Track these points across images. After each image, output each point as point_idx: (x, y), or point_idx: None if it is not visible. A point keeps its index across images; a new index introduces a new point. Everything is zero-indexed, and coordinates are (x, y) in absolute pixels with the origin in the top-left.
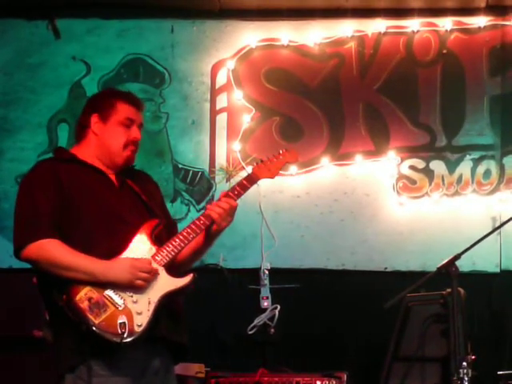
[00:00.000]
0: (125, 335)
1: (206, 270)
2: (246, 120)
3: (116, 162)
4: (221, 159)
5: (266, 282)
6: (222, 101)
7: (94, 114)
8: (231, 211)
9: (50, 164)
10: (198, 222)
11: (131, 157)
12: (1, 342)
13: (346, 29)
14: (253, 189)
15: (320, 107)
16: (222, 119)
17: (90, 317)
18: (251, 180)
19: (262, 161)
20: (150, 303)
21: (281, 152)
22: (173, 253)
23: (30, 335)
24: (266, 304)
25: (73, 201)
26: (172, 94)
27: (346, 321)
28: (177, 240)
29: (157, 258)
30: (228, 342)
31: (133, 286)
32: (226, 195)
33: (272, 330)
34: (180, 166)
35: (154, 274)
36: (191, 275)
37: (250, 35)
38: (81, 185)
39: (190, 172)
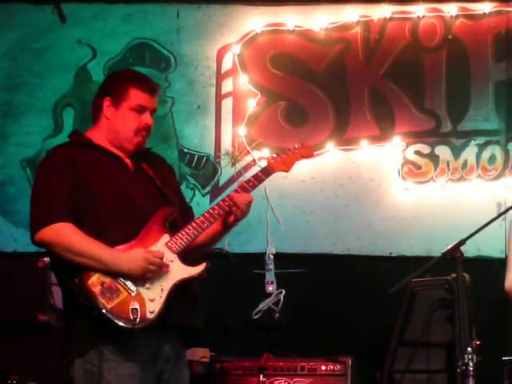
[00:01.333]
0: (137, 321)
1: (211, 255)
2: (252, 105)
3: (126, 147)
4: (226, 144)
5: (271, 266)
6: (227, 85)
7: (107, 98)
8: (248, 205)
9: (67, 149)
10: (212, 212)
11: (142, 142)
12: (5, 326)
13: (351, 14)
14: None
15: (325, 92)
16: (227, 104)
17: (102, 301)
18: (267, 172)
19: (277, 154)
20: (162, 290)
21: (296, 146)
22: (186, 241)
23: (34, 319)
24: (271, 289)
25: (88, 186)
26: (177, 78)
27: (351, 306)
28: (190, 228)
29: (170, 245)
30: (233, 326)
31: (144, 278)
32: (242, 187)
33: (277, 315)
34: (185, 150)
35: (165, 267)
36: (204, 264)
37: (255, 20)
38: (96, 170)
39: (196, 156)
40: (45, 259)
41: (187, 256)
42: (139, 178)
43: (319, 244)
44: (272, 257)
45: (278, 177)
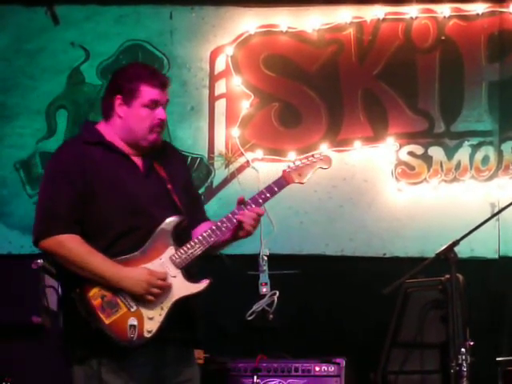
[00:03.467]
0: (134, 339)
1: (204, 256)
2: (245, 106)
3: (142, 144)
4: (220, 145)
5: (265, 268)
6: (220, 87)
7: (118, 96)
8: (259, 219)
9: (77, 148)
10: (220, 225)
11: (157, 139)
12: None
13: (344, 15)
14: (251, 175)
15: (319, 93)
16: (220, 105)
17: (102, 316)
18: (281, 185)
19: (294, 163)
20: (162, 309)
21: (315, 155)
22: (191, 255)
23: (28, 321)
24: (264, 290)
25: (97, 193)
26: (171, 80)
27: (345, 307)
28: (197, 241)
29: (175, 259)
30: (227, 327)
31: (143, 300)
32: (254, 201)
33: (271, 316)
34: None
35: (168, 288)
36: (207, 281)
37: (248, 21)
38: (105, 173)
39: (189, 158)
40: (39, 261)
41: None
42: (149, 180)
43: (313, 245)
44: (266, 258)
45: (271, 178)
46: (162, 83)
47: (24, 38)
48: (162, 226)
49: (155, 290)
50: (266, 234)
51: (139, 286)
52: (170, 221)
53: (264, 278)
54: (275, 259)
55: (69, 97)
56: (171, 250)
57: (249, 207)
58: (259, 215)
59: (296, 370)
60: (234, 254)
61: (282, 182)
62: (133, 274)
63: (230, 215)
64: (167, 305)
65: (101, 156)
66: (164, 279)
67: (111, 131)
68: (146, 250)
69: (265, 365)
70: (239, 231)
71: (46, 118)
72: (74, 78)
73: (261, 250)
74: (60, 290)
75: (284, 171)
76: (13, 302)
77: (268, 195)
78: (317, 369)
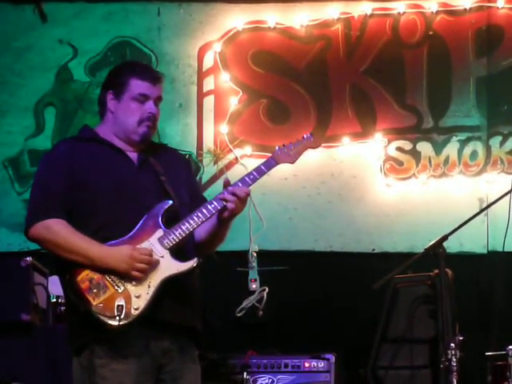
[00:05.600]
0: (121, 317)
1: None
2: (234, 102)
3: (132, 138)
4: (208, 142)
5: (254, 264)
6: (209, 83)
7: (109, 91)
8: (245, 199)
9: (68, 144)
10: (209, 206)
11: (147, 133)
12: None
13: (332, 11)
14: (240, 172)
15: (307, 89)
16: (209, 102)
17: (89, 298)
18: (269, 165)
19: (283, 145)
20: (149, 287)
21: (305, 136)
22: (179, 235)
23: (17, 319)
24: (254, 286)
25: (87, 182)
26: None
27: (334, 302)
28: (185, 223)
29: (163, 240)
30: (217, 324)
31: (130, 276)
32: (242, 181)
33: (260, 312)
34: None
35: (153, 264)
36: (195, 259)
37: (236, 18)
38: (97, 165)
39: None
40: (27, 259)
41: (191, 255)
42: (142, 173)
43: (302, 241)
44: (255, 254)
45: None
46: (152, 77)
47: (12, 35)
48: (152, 211)
49: (139, 265)
50: (256, 230)
51: (123, 261)
52: (160, 205)
53: (253, 274)
54: (264, 255)
55: (57, 94)
56: (160, 233)
57: (224, 194)
58: (246, 194)
59: (286, 365)
60: (223, 250)
61: (271, 162)
62: (116, 252)
63: (217, 196)
64: (154, 283)
65: (94, 150)
66: (148, 254)
67: (105, 129)
68: (135, 235)
69: (255, 361)
70: (223, 211)
71: (34, 116)
72: (62, 76)
73: (250, 246)
74: (60, 282)
75: (273, 152)
76: (1, 300)
77: (257, 176)
78: (306, 365)
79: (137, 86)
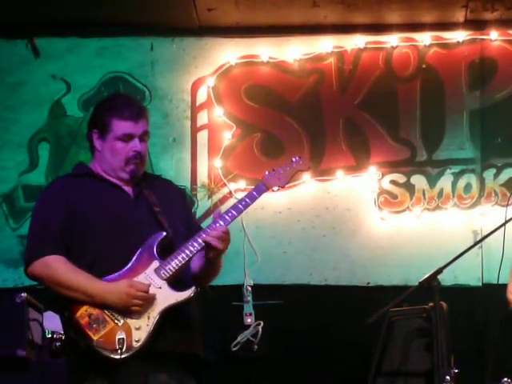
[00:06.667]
0: (123, 350)
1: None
2: (227, 137)
3: (121, 176)
4: (202, 176)
5: (249, 298)
6: (202, 118)
7: (94, 130)
8: (224, 237)
9: (63, 181)
10: (204, 235)
11: (135, 170)
12: None
13: (325, 45)
14: None
15: (300, 123)
16: (202, 136)
17: (89, 333)
18: (260, 190)
19: (273, 169)
20: (149, 318)
21: (293, 160)
22: (175, 266)
23: (13, 355)
24: (249, 320)
25: (83, 217)
26: (152, 111)
27: (330, 336)
28: (181, 253)
29: (159, 271)
30: (212, 358)
31: (128, 311)
32: (235, 207)
33: (255, 347)
34: None
35: (151, 296)
36: (192, 288)
37: (229, 52)
38: (93, 200)
39: None
40: (22, 295)
41: (188, 284)
42: (138, 206)
43: (297, 275)
44: (250, 288)
45: (254, 208)
46: (134, 114)
47: (5, 70)
48: (147, 243)
49: (136, 301)
50: (250, 264)
51: (120, 298)
52: (155, 237)
53: (248, 308)
54: (259, 289)
55: (50, 129)
56: (155, 264)
57: (212, 226)
58: (225, 232)
59: None
60: (217, 284)
61: (261, 187)
62: (113, 288)
63: (210, 225)
64: (154, 314)
65: (89, 185)
66: (145, 290)
67: (97, 166)
68: (132, 267)
69: None
70: (209, 252)
71: (28, 151)
72: (55, 111)
73: (245, 280)
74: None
75: (263, 177)
76: None
77: (249, 201)
78: None
79: (119, 126)
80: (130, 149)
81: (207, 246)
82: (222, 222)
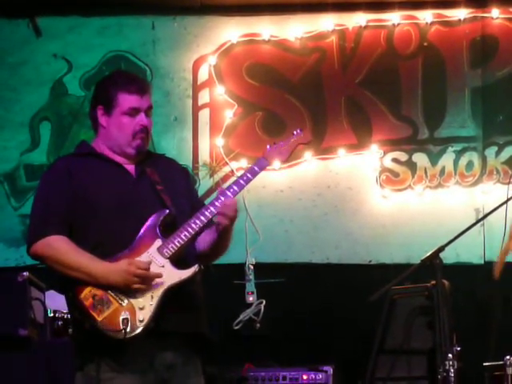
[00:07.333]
0: (127, 331)
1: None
2: (229, 115)
3: (128, 152)
4: (204, 155)
5: (251, 276)
6: (204, 97)
7: (99, 107)
8: (233, 207)
9: (66, 161)
10: (206, 212)
11: (142, 145)
12: None
13: (326, 23)
14: None
15: (302, 101)
16: (204, 115)
17: (93, 314)
18: (262, 164)
19: (274, 143)
20: (152, 298)
21: (294, 133)
22: (178, 244)
23: (15, 334)
24: (251, 299)
25: (86, 196)
26: (154, 90)
27: (332, 314)
28: (184, 231)
29: (162, 249)
30: (214, 337)
31: (131, 290)
32: (236, 182)
33: (258, 325)
34: None
35: (153, 275)
36: (195, 266)
37: (230, 31)
38: (96, 180)
39: None
40: (24, 274)
41: (192, 262)
42: (140, 185)
43: (298, 253)
44: (252, 267)
45: (256, 187)
46: (139, 89)
47: (6, 50)
48: (149, 222)
49: (137, 279)
50: (252, 242)
51: (121, 276)
52: (157, 215)
53: (250, 286)
54: (261, 268)
55: (52, 109)
56: (158, 242)
57: (220, 200)
58: (233, 203)
59: (284, 378)
60: (219, 263)
61: (262, 162)
62: (114, 268)
63: (213, 201)
64: (157, 293)
65: (91, 164)
66: (145, 267)
67: (101, 144)
68: (135, 247)
69: (252, 374)
70: (219, 224)
71: (29, 130)
72: (56, 90)
73: (247, 259)
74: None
75: (264, 151)
76: None
77: (251, 176)
78: (304, 377)
79: (126, 100)
80: (137, 123)
81: (220, 216)
82: (223, 198)
